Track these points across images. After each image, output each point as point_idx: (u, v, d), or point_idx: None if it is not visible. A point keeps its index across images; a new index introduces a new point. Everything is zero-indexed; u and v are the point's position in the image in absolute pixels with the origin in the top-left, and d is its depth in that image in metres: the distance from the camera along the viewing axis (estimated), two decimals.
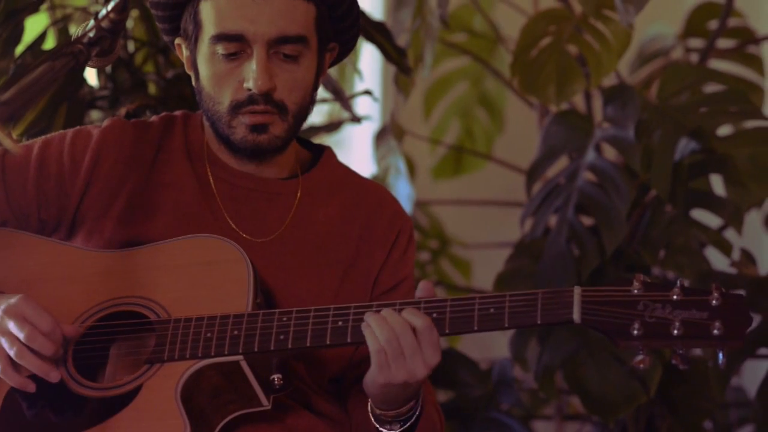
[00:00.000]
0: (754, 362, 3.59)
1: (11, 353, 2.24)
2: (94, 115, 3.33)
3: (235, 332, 2.24)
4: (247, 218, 2.43)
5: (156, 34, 3.37)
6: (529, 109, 4.13)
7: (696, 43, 3.99)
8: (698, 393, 3.42)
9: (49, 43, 3.25)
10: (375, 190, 2.53)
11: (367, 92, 3.66)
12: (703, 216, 3.42)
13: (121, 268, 2.35)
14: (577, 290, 2.18)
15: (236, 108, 2.37)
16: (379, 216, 2.48)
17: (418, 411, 2.30)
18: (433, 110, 4.52)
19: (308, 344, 2.23)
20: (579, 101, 3.91)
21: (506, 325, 2.19)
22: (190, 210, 2.42)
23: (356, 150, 4.57)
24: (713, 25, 3.84)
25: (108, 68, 3.32)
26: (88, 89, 3.30)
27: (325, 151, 2.54)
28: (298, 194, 2.46)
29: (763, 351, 3.42)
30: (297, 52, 2.36)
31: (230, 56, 2.36)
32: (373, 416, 2.31)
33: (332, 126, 3.72)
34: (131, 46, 3.41)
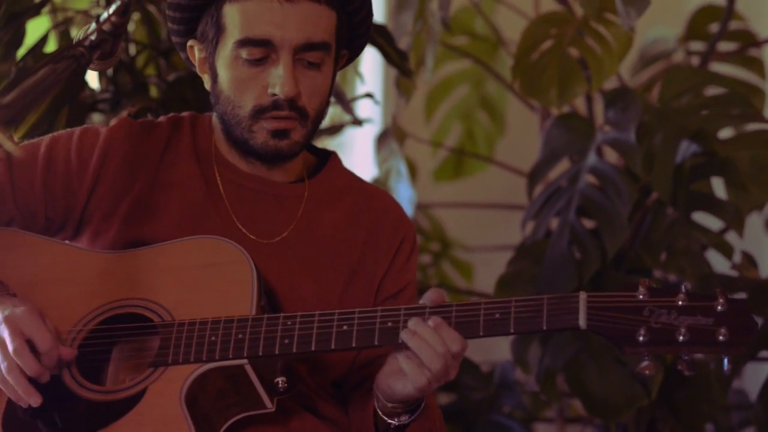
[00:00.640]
0: (755, 365, 3.59)
1: (2, 366, 2.21)
2: (96, 118, 3.33)
3: (240, 336, 2.24)
4: (254, 220, 2.43)
5: (157, 37, 3.37)
6: (530, 112, 4.13)
7: (697, 46, 3.98)
8: (700, 395, 3.42)
9: (51, 46, 3.25)
10: (380, 196, 2.53)
11: (369, 95, 3.66)
12: (705, 219, 3.42)
13: (123, 270, 2.35)
14: (582, 296, 2.16)
15: (259, 113, 2.36)
16: (384, 222, 2.48)
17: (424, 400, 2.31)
18: (435, 113, 4.52)
19: (313, 348, 2.23)
20: (580, 104, 3.91)
21: (512, 331, 2.18)
22: (196, 210, 2.41)
23: (358, 153, 4.56)
24: (714, 28, 3.84)
25: (109, 71, 3.32)
26: (90, 92, 3.30)
27: (332, 156, 2.54)
28: (305, 198, 2.46)
29: (764, 354, 3.42)
30: (320, 59, 2.36)
31: (255, 61, 2.35)
32: (383, 411, 2.30)
33: (334, 129, 3.72)
34: (133, 49, 3.41)
